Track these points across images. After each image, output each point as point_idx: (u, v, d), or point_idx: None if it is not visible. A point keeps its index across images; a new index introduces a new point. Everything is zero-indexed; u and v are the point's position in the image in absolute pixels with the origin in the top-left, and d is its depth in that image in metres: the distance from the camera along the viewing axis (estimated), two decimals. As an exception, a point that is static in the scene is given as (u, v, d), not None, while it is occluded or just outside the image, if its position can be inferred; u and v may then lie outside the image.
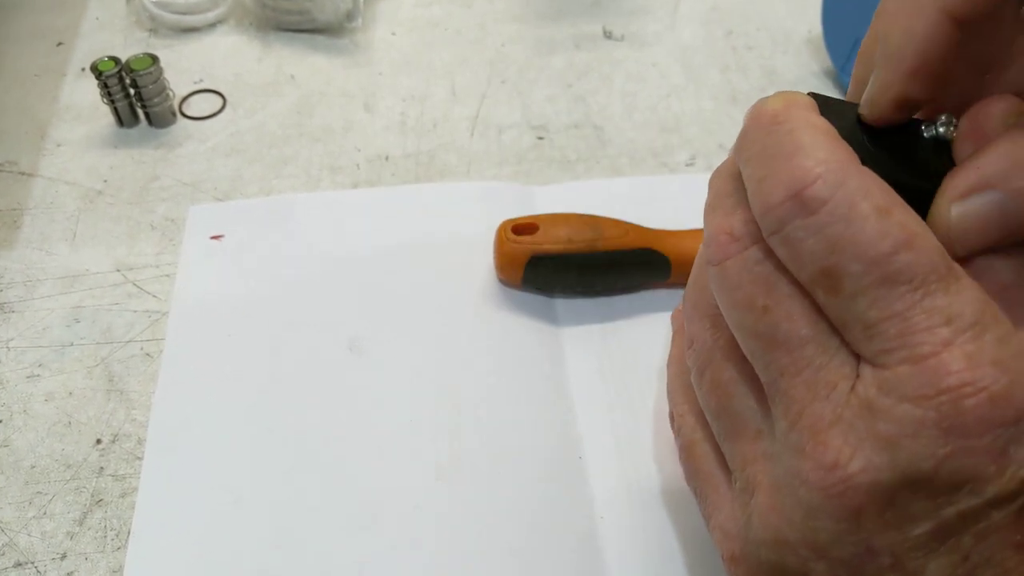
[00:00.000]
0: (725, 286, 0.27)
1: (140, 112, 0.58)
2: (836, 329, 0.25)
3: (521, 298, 0.48)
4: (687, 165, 0.56)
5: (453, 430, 0.42)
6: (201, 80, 0.61)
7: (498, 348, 0.46)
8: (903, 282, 0.23)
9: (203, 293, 0.48)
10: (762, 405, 0.28)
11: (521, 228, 0.46)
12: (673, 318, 0.38)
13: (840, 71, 0.61)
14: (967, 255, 0.26)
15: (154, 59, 0.56)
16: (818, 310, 0.25)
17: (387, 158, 0.56)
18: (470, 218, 0.51)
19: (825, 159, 0.24)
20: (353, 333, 0.46)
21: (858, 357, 0.24)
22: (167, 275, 0.49)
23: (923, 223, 0.24)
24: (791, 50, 0.65)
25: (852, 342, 0.24)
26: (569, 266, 0.45)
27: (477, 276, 0.48)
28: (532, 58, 0.64)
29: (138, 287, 0.49)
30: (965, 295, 0.23)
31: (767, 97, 0.27)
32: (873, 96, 0.28)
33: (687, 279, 0.33)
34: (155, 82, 0.56)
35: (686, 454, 0.33)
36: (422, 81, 0.62)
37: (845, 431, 0.24)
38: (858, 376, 0.24)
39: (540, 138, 0.58)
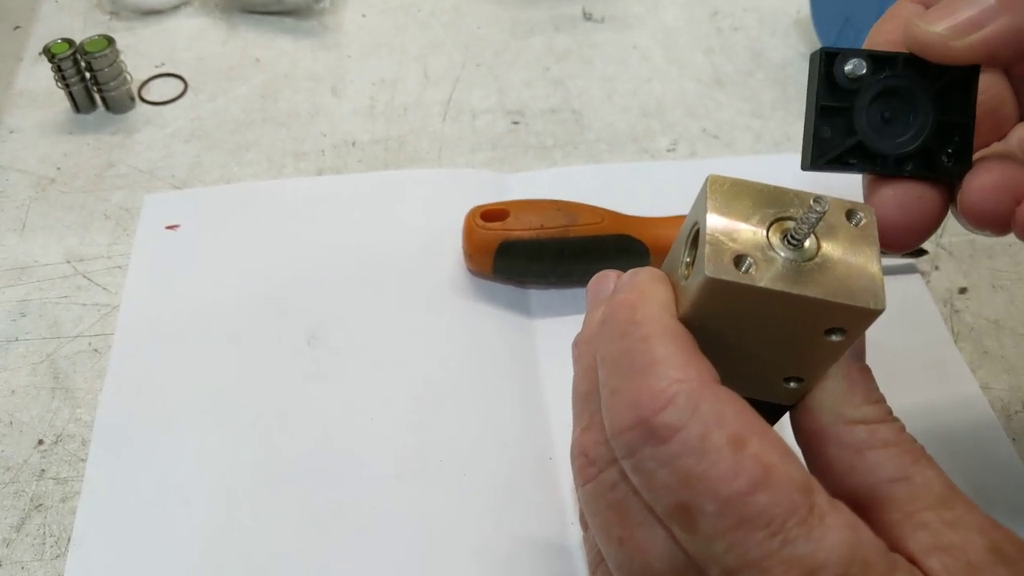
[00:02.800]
0: (588, 511, 0.25)
1: (97, 97, 0.55)
2: (696, 562, 0.22)
3: (492, 289, 0.45)
4: (668, 151, 0.54)
5: (416, 426, 0.40)
6: (163, 64, 0.59)
7: (467, 341, 0.43)
8: (760, 526, 0.20)
9: (156, 285, 0.45)
10: None
11: (491, 214, 0.44)
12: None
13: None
14: None
15: (110, 41, 0.53)
16: (676, 539, 0.23)
17: (354, 143, 0.54)
18: (439, 206, 0.49)
19: (678, 378, 0.22)
20: (314, 326, 0.44)
21: None
22: (119, 267, 0.47)
23: (785, 451, 0.21)
24: (779, 31, 0.63)
25: None
26: (541, 253, 0.43)
27: (446, 266, 0.46)
28: (509, 41, 0.62)
29: (88, 279, 0.46)
30: (829, 539, 0.20)
31: (629, 277, 0.25)
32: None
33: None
34: (111, 65, 0.53)
35: None
36: (393, 64, 0.59)
37: None
38: None
39: (516, 123, 0.56)
